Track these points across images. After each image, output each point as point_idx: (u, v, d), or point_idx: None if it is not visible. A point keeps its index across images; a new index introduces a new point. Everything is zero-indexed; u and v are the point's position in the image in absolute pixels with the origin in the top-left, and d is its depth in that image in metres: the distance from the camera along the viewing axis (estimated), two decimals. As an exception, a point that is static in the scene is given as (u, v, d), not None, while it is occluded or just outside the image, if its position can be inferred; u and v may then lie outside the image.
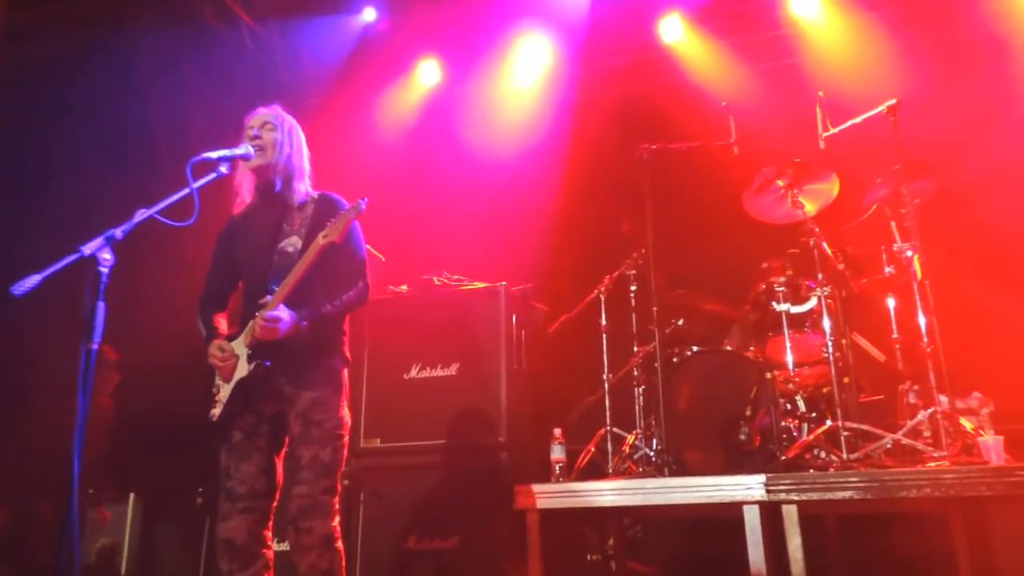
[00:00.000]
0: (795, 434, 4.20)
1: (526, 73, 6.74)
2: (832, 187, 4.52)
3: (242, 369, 3.04)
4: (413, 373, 4.65)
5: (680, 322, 4.85)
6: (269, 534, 3.06)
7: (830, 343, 4.04)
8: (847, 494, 3.45)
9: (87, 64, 5.67)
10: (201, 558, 4.67)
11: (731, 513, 3.60)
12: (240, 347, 3.07)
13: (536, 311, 5.12)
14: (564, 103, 6.58)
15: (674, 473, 3.93)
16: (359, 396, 4.59)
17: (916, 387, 4.12)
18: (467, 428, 4.43)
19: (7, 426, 4.97)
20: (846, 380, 4.15)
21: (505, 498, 4.05)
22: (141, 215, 2.51)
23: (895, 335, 4.47)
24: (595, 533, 4.58)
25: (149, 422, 5.24)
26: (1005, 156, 5.23)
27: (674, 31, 6.37)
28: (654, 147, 4.57)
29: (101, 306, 2.27)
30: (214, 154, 2.87)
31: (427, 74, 6.87)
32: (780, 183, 4.48)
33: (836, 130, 4.44)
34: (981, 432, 3.76)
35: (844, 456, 3.71)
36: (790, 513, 3.52)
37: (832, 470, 3.67)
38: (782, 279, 4.43)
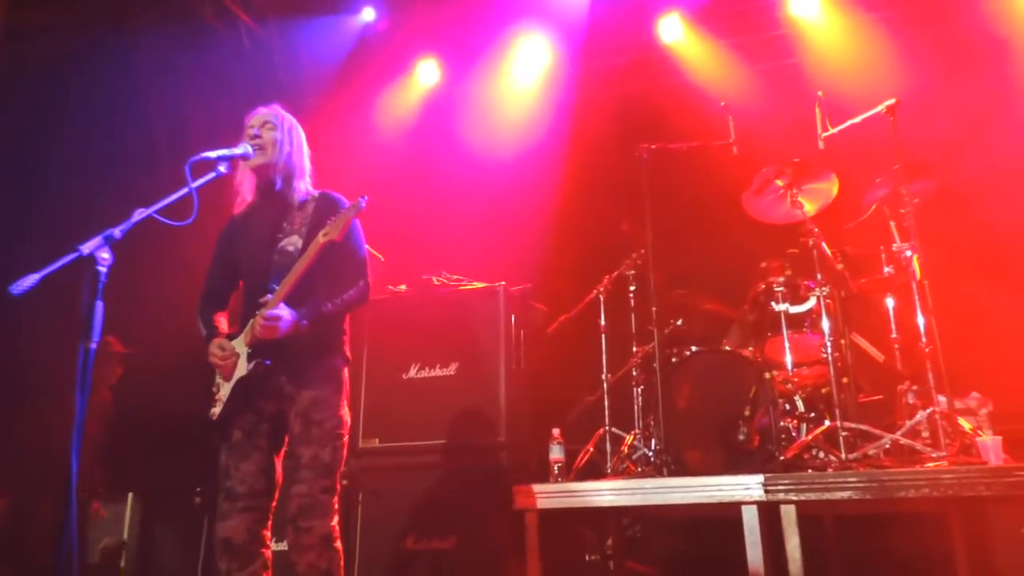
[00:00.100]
0: (794, 434, 4.20)
1: (525, 73, 6.74)
2: (831, 187, 4.52)
3: (242, 368, 3.04)
4: (412, 373, 4.65)
5: (679, 322, 4.85)
6: (268, 533, 3.06)
7: (829, 343, 4.04)
8: (845, 494, 3.45)
9: (86, 64, 5.67)
10: (200, 557, 4.67)
11: (729, 513, 3.60)
12: (240, 346, 3.07)
13: (535, 311, 5.12)
14: (563, 103, 6.58)
15: (673, 473, 3.93)
16: (358, 396, 4.59)
17: (915, 387, 4.12)
18: (466, 428, 4.43)
19: (6, 425, 4.97)
20: (845, 380, 4.15)
21: (504, 498, 4.05)
22: (140, 214, 2.51)
23: (894, 335, 4.47)
24: (594, 533, 4.58)
25: (148, 421, 5.24)
26: (1004, 156, 5.24)
27: (673, 31, 6.37)
28: (653, 147, 4.57)
29: (100, 305, 2.27)
30: (213, 153, 2.87)
31: (426, 74, 6.87)
32: (779, 183, 4.48)
33: (835, 130, 4.44)
34: (979, 432, 3.77)
35: (843, 456, 3.71)
36: (788, 513, 3.52)
37: (831, 470, 3.67)
38: (781, 279, 4.43)
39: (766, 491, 3.53)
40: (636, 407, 4.64)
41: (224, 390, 3.06)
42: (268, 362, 3.00)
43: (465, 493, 4.28)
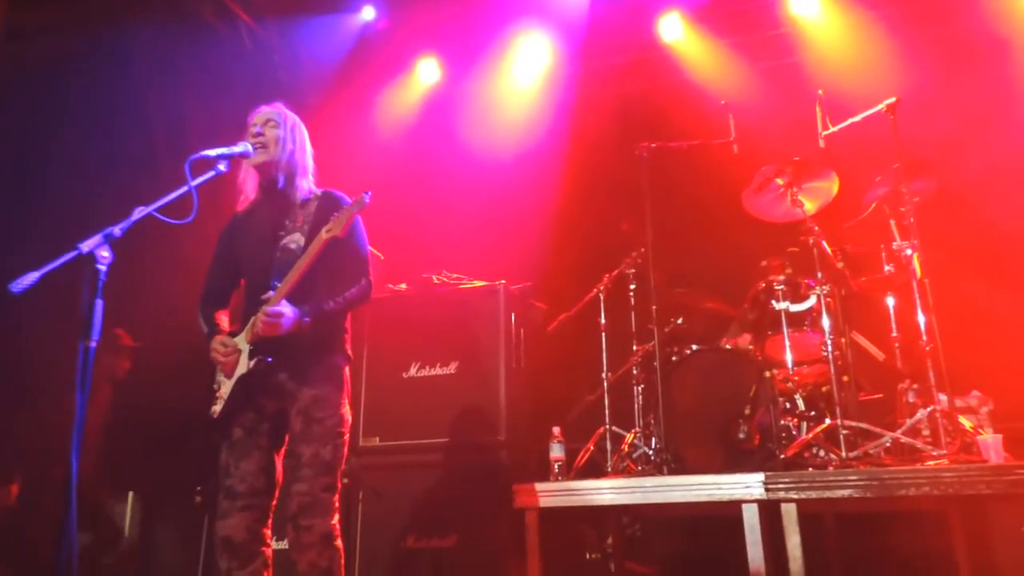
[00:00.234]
0: (794, 432, 4.19)
1: (525, 72, 6.74)
2: (831, 185, 4.52)
3: (243, 365, 3.04)
4: (412, 372, 4.65)
5: (679, 321, 4.85)
6: (268, 532, 3.06)
7: (829, 341, 4.04)
8: (846, 492, 3.45)
9: (86, 64, 5.67)
10: (200, 556, 4.67)
11: (730, 511, 3.60)
12: (242, 343, 3.07)
13: (535, 310, 5.12)
14: (563, 102, 6.58)
15: (673, 471, 3.93)
16: (359, 394, 4.59)
17: (915, 385, 4.12)
18: (466, 427, 4.43)
19: (5, 424, 4.97)
20: (845, 379, 4.15)
21: (504, 497, 4.05)
22: (139, 213, 2.51)
23: (894, 333, 4.47)
24: (594, 532, 4.58)
25: (148, 420, 5.24)
26: (1005, 155, 5.23)
27: (674, 30, 6.37)
28: (653, 146, 4.58)
29: (99, 303, 2.27)
30: (212, 152, 2.87)
31: (426, 73, 6.87)
32: (779, 182, 4.48)
33: (836, 129, 4.44)
34: (980, 430, 3.76)
35: (843, 454, 3.71)
36: (789, 511, 3.52)
37: (831, 468, 3.67)
38: (781, 277, 4.43)
39: (767, 489, 3.53)
40: (636, 406, 4.64)
41: (225, 387, 3.06)
42: (270, 359, 3.00)
43: (465, 492, 4.28)
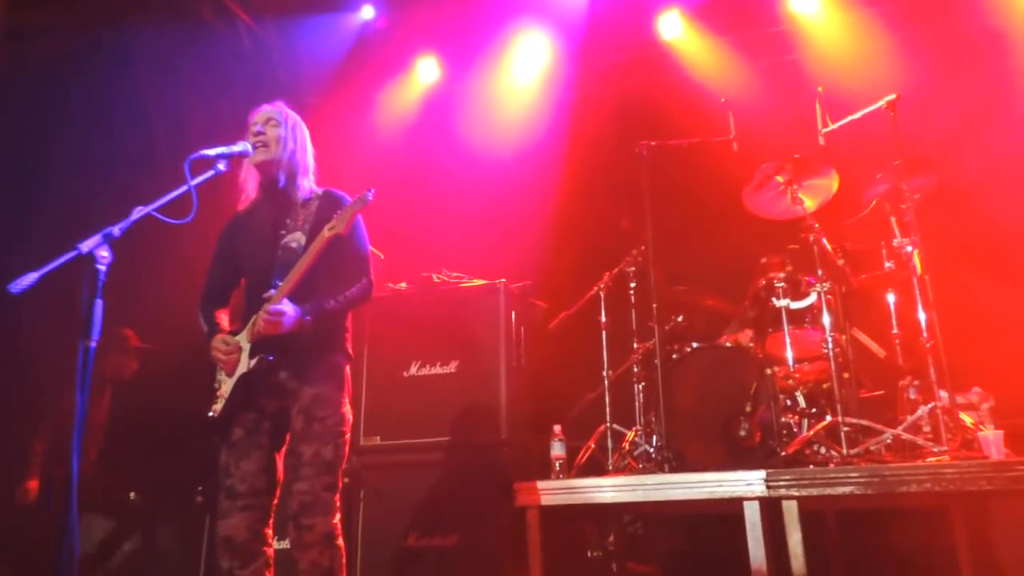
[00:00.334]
0: (795, 430, 4.19)
1: (525, 70, 6.73)
2: (832, 183, 4.52)
3: (244, 364, 3.04)
4: (413, 371, 4.65)
5: (680, 318, 4.84)
6: (270, 532, 3.06)
7: (830, 339, 4.04)
8: (847, 489, 3.45)
9: (86, 63, 5.67)
10: (202, 556, 4.67)
11: (731, 509, 3.60)
12: (243, 342, 3.07)
13: (536, 308, 5.12)
14: (563, 100, 6.57)
15: (674, 469, 3.93)
16: (359, 394, 4.59)
17: (916, 382, 4.12)
18: (467, 425, 4.43)
19: (5, 423, 4.97)
20: (846, 376, 4.15)
21: (505, 495, 4.05)
22: (139, 212, 2.51)
23: (895, 330, 4.46)
24: (596, 530, 4.59)
25: (148, 420, 5.24)
26: (1005, 151, 5.23)
27: (673, 27, 6.36)
28: (653, 144, 4.57)
29: (99, 303, 2.27)
30: (212, 151, 2.88)
31: (426, 72, 6.86)
32: (780, 179, 4.47)
33: (836, 126, 4.44)
34: (981, 427, 3.76)
35: (844, 451, 3.71)
36: (790, 509, 3.52)
37: (832, 465, 3.67)
38: (782, 275, 4.43)
39: (768, 487, 3.52)
40: (637, 403, 4.64)
41: (226, 386, 3.06)
42: (271, 357, 3.00)
43: (467, 490, 4.28)
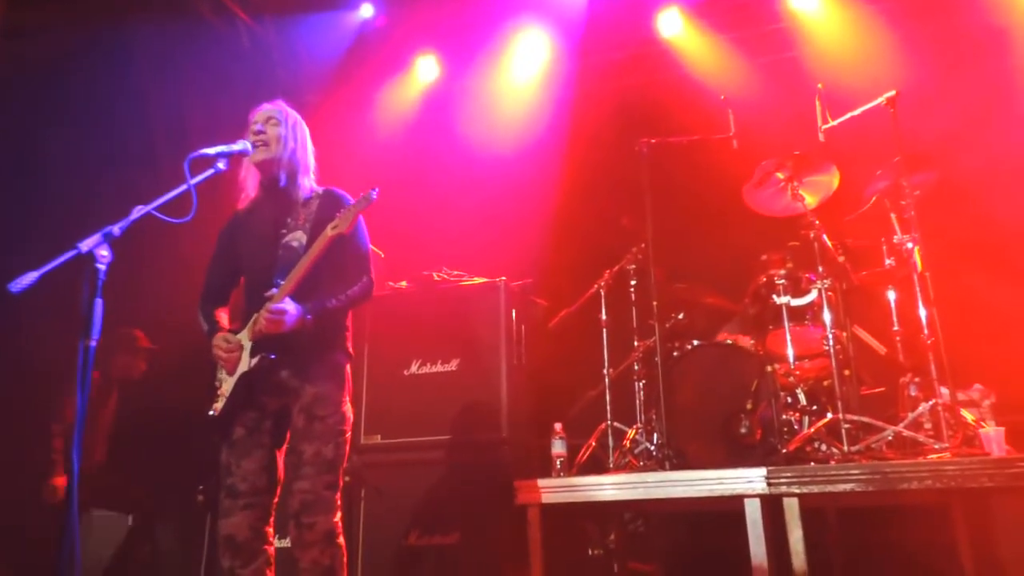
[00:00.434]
0: (796, 427, 4.19)
1: (525, 68, 6.73)
2: (832, 179, 4.52)
3: (245, 363, 3.04)
4: (413, 369, 4.65)
5: (680, 316, 4.84)
6: (270, 530, 3.07)
7: (830, 336, 4.04)
8: (848, 486, 3.44)
9: (86, 62, 5.66)
10: (203, 555, 4.68)
11: (732, 506, 3.59)
12: (244, 341, 3.07)
13: (536, 306, 5.12)
14: (563, 98, 6.56)
15: (675, 467, 3.93)
16: (360, 392, 4.60)
17: (917, 379, 4.12)
18: (468, 424, 4.43)
19: (5, 423, 4.97)
20: (847, 373, 4.14)
21: (506, 493, 4.05)
22: (138, 211, 2.50)
23: (896, 327, 4.45)
24: (596, 528, 4.58)
25: (149, 419, 5.24)
26: (1006, 148, 5.22)
27: (673, 25, 6.36)
28: (653, 141, 4.56)
29: (99, 303, 2.27)
30: (211, 150, 2.87)
31: (425, 70, 6.86)
32: (780, 176, 4.47)
33: (836, 122, 4.43)
34: (982, 424, 3.76)
35: (845, 449, 3.71)
36: (791, 506, 3.51)
37: (833, 463, 3.66)
38: (782, 272, 4.42)
39: (769, 484, 3.52)
40: (638, 401, 4.64)
41: (227, 385, 3.06)
42: (273, 356, 3.00)
43: (467, 489, 4.28)
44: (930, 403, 3.78)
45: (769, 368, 4.10)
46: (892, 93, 4.17)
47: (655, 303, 4.34)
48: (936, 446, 3.63)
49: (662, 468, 3.97)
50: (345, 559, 3.01)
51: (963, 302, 4.43)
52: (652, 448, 4.27)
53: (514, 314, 4.65)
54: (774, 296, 4.39)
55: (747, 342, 4.45)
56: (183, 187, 2.63)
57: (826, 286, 4.19)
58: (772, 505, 3.55)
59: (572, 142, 6.27)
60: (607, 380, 4.66)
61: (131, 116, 5.74)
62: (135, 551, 5.06)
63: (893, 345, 4.48)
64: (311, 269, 3.01)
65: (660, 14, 6.37)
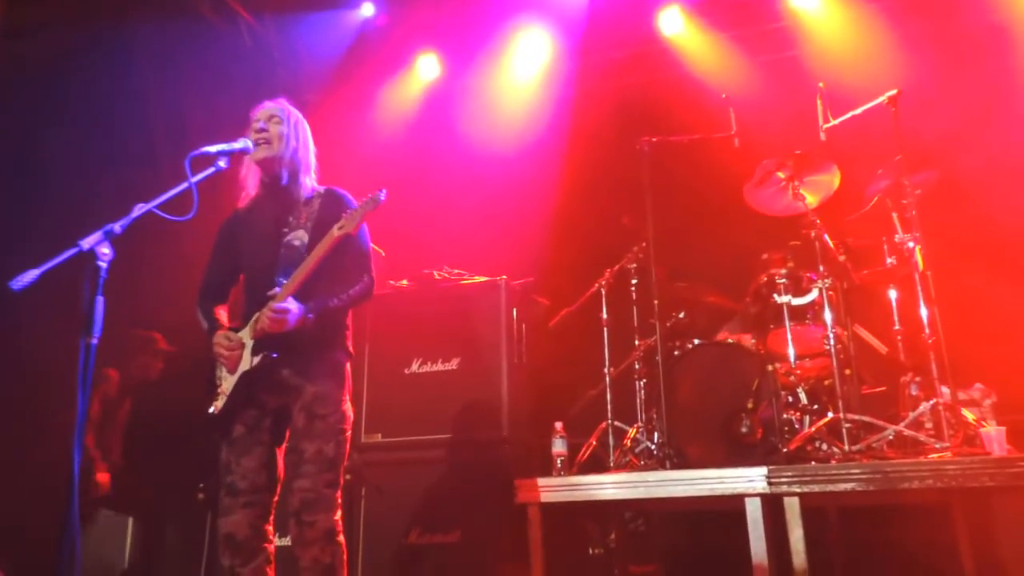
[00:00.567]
0: (797, 426, 4.19)
1: (525, 67, 6.73)
2: (833, 179, 4.51)
3: (246, 361, 3.04)
4: (414, 368, 4.65)
5: (681, 315, 4.83)
6: (270, 528, 3.06)
7: (831, 335, 4.03)
8: (849, 486, 3.44)
9: (86, 61, 5.66)
10: (203, 553, 4.67)
11: (733, 506, 3.59)
12: (245, 339, 3.07)
13: (537, 305, 5.12)
14: (564, 97, 6.56)
15: (676, 466, 3.93)
16: (360, 391, 4.59)
17: (918, 378, 4.11)
18: (468, 422, 4.43)
19: (5, 423, 4.97)
20: (848, 372, 4.14)
21: (506, 492, 4.05)
22: (139, 210, 2.50)
23: (897, 327, 4.45)
24: (597, 527, 4.58)
25: (154, 419, 5.24)
26: (1007, 147, 5.22)
27: (674, 23, 6.36)
28: (654, 140, 4.56)
29: (100, 300, 2.27)
30: (212, 148, 2.87)
31: (426, 69, 6.86)
32: (781, 175, 4.47)
33: (837, 121, 4.43)
34: (983, 423, 3.75)
35: (846, 448, 3.71)
36: (792, 505, 3.51)
37: (834, 462, 3.66)
38: (783, 271, 4.42)
39: (769, 483, 3.52)
40: (638, 400, 4.64)
41: (227, 383, 3.06)
42: (276, 355, 3.00)
43: (468, 487, 4.28)
44: (931, 402, 3.78)
45: (770, 367, 4.10)
46: (893, 92, 4.17)
47: (656, 302, 4.34)
48: (937, 445, 3.63)
49: (663, 467, 3.97)
50: (345, 557, 3.01)
51: (964, 301, 4.43)
52: (653, 447, 4.27)
53: (515, 313, 4.65)
54: (775, 295, 4.39)
55: (748, 341, 4.45)
56: (184, 185, 2.63)
57: (827, 285, 4.18)
58: (773, 504, 3.55)
59: (573, 141, 6.27)
60: (608, 379, 4.66)
61: (131, 115, 5.74)
62: (136, 550, 5.06)
63: (894, 344, 4.48)
64: (316, 268, 3.01)
65: (661, 13, 6.37)
